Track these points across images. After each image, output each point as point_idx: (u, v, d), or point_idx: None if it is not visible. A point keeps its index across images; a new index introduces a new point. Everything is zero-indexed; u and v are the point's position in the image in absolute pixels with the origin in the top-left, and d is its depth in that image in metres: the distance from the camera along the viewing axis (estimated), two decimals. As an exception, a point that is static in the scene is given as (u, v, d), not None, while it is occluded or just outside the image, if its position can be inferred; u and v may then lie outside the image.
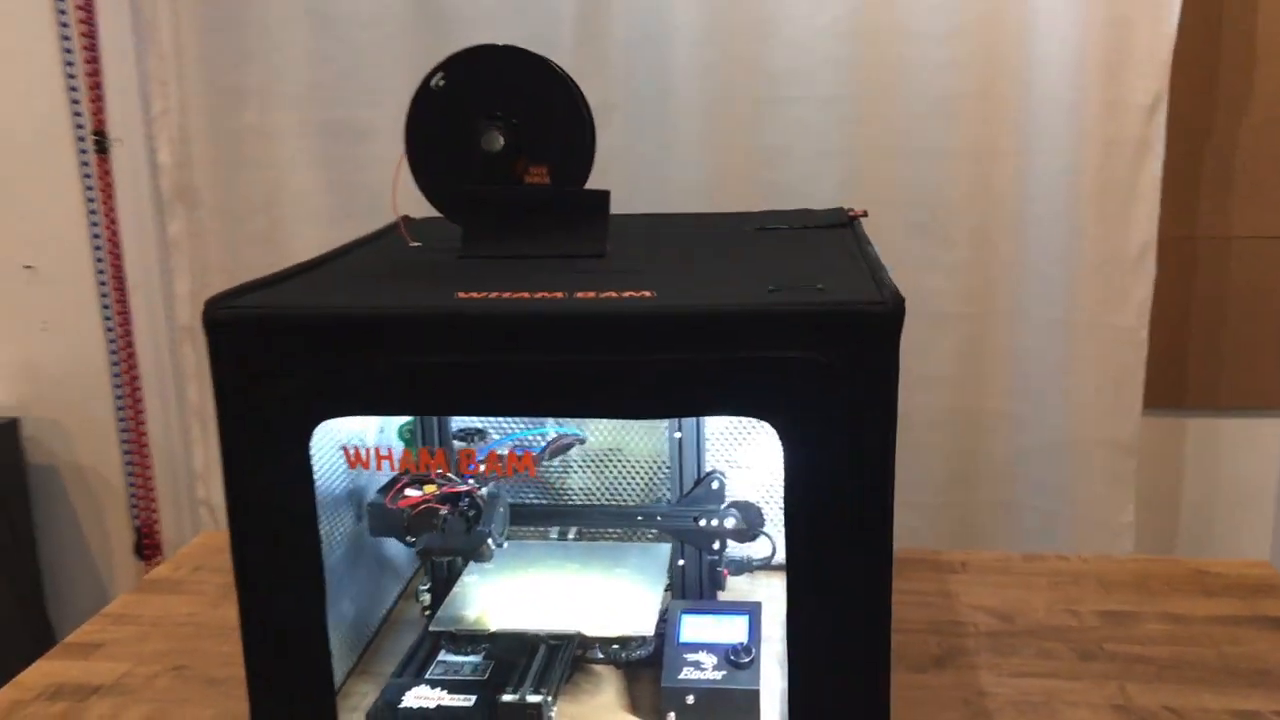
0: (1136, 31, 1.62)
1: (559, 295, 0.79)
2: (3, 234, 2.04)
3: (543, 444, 1.11)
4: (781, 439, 0.76)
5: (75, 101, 1.92)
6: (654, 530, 1.13)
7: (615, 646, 1.00)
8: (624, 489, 1.16)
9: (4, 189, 2.01)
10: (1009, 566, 1.31)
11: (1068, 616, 1.18)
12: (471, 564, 1.11)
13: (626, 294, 0.79)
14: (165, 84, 1.85)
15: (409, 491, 1.01)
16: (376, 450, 0.95)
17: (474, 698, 0.94)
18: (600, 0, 1.73)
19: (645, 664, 1.01)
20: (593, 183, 1.79)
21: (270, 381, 0.78)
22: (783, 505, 0.76)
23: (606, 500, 1.15)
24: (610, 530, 1.18)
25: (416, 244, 1.06)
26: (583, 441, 1.10)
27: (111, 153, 1.93)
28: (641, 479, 1.15)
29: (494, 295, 0.80)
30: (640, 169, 1.77)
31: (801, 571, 0.78)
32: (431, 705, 0.94)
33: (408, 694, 0.96)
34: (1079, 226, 1.69)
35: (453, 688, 0.96)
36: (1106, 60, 1.63)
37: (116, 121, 1.94)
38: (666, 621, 1.02)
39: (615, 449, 1.14)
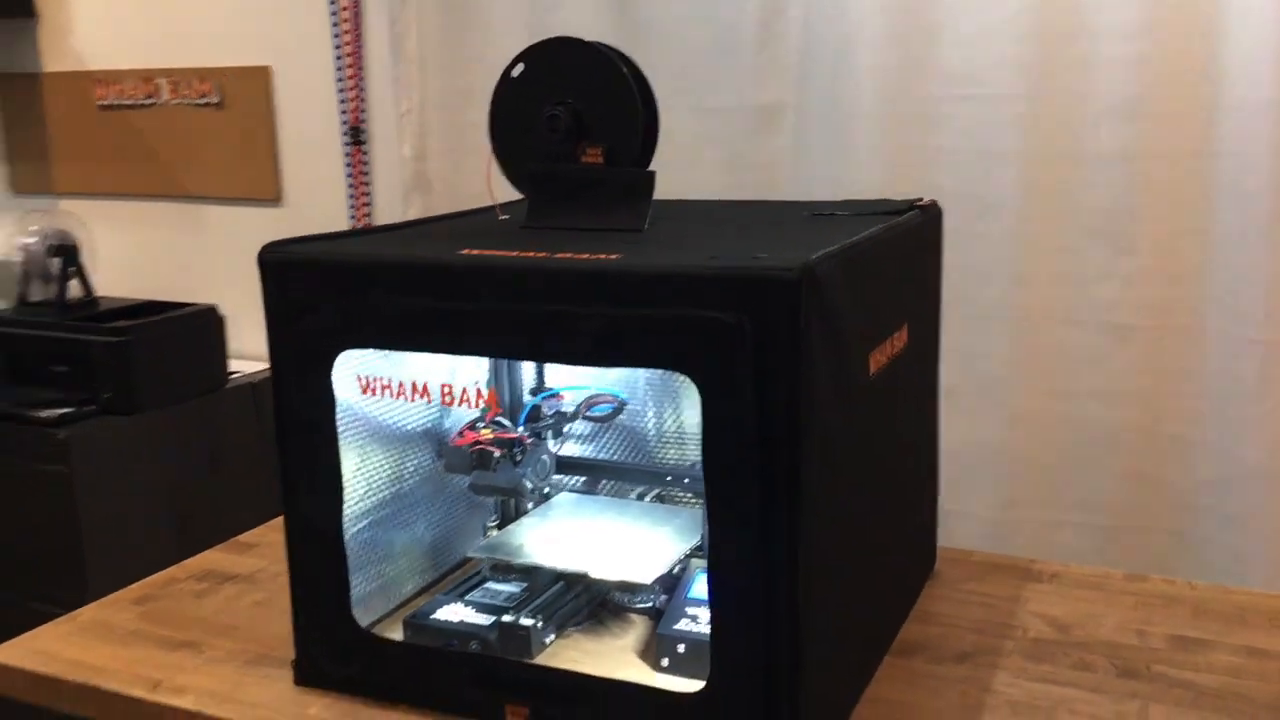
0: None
1: (538, 255, 0.89)
2: (282, 218, 2.40)
3: (611, 404, 1.22)
4: (700, 392, 0.81)
5: (343, 102, 2.23)
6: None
7: (621, 591, 1.08)
8: (663, 451, 1.23)
9: (290, 177, 2.38)
10: (1103, 583, 1.25)
11: (1132, 636, 1.12)
12: (533, 508, 1.22)
13: (592, 256, 0.87)
14: (410, 86, 2.11)
15: (469, 433, 1.15)
16: (464, 391, 1.10)
17: (492, 619, 1.06)
18: (780, 5, 1.79)
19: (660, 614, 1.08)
20: (758, 181, 1.87)
21: (301, 314, 0.94)
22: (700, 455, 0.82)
23: (645, 461, 1.23)
24: (684, 494, 1.25)
25: (504, 216, 1.19)
26: (625, 403, 1.18)
27: (368, 145, 2.23)
28: (684, 444, 1.22)
29: (486, 253, 0.91)
30: (812, 170, 1.81)
31: (717, 515, 0.83)
32: (456, 620, 1.07)
33: (443, 609, 1.09)
34: (1277, 239, 1.54)
35: (481, 608, 1.08)
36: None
37: (374, 119, 2.23)
38: (680, 577, 1.08)
39: (665, 415, 1.22)
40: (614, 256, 0.87)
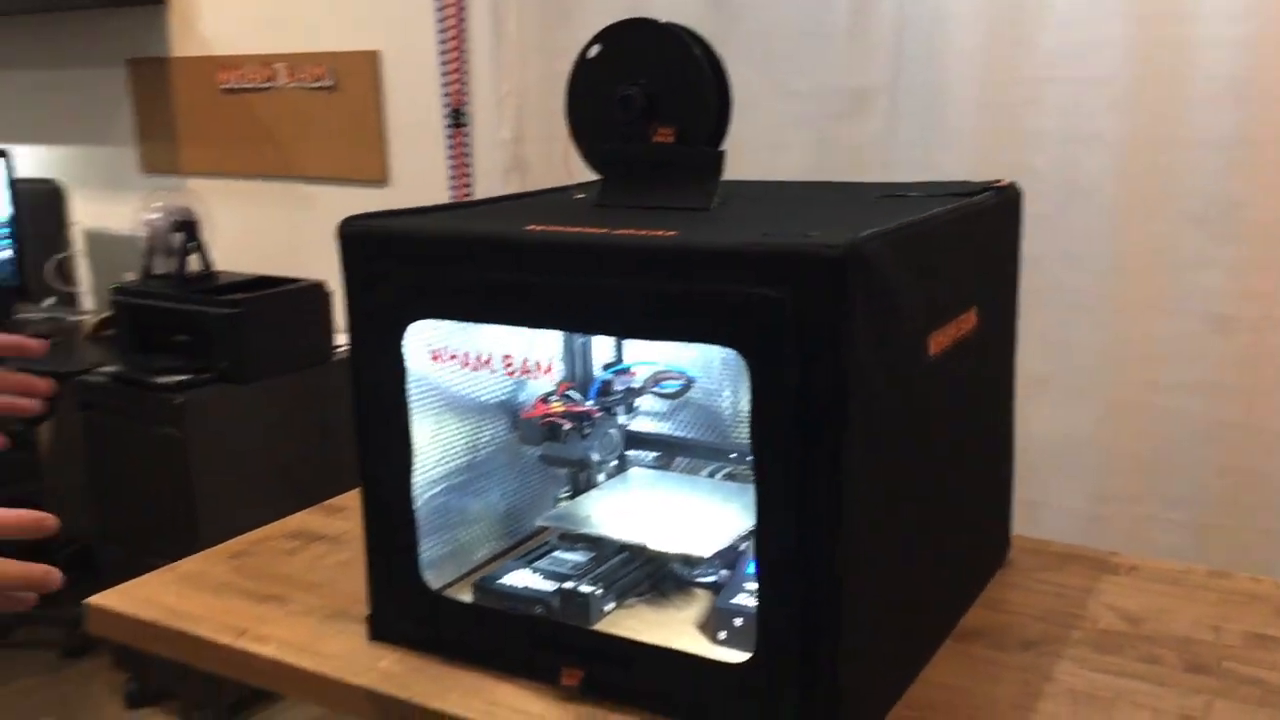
0: None
1: (596, 231, 0.92)
2: (387, 199, 2.48)
3: (679, 382, 1.24)
4: (747, 368, 0.83)
5: (445, 86, 2.30)
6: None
7: (681, 564, 1.10)
8: (736, 430, 1.24)
9: (396, 159, 2.45)
10: (1182, 579, 1.22)
11: (1206, 632, 1.09)
12: (605, 480, 1.25)
13: (647, 232, 0.89)
14: (510, 70, 2.16)
15: (541, 405, 1.18)
16: (525, 362, 1.14)
17: (555, 586, 1.09)
18: (874, -16, 1.78)
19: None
20: (847, 164, 1.86)
21: (373, 286, 0.99)
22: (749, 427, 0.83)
23: (718, 439, 1.24)
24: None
25: (580, 196, 1.22)
26: (692, 381, 1.20)
27: (468, 128, 2.29)
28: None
29: (546, 228, 0.94)
30: (903, 153, 1.79)
31: (762, 490, 0.84)
32: (521, 586, 1.10)
33: (511, 574, 1.13)
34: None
35: (547, 575, 1.12)
36: None
37: (475, 102, 2.29)
38: (742, 553, 1.10)
39: (740, 393, 1.23)
40: (669, 233, 0.89)
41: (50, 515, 0.73)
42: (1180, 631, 1.09)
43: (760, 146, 1.92)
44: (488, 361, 1.08)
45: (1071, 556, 1.28)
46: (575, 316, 0.94)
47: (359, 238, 0.99)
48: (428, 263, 0.96)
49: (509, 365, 1.10)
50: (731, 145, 2.00)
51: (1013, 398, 1.25)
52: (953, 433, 1.07)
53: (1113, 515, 1.73)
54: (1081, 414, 1.74)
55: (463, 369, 1.10)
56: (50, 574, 0.73)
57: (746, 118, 1.90)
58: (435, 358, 1.07)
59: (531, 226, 0.96)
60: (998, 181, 1.16)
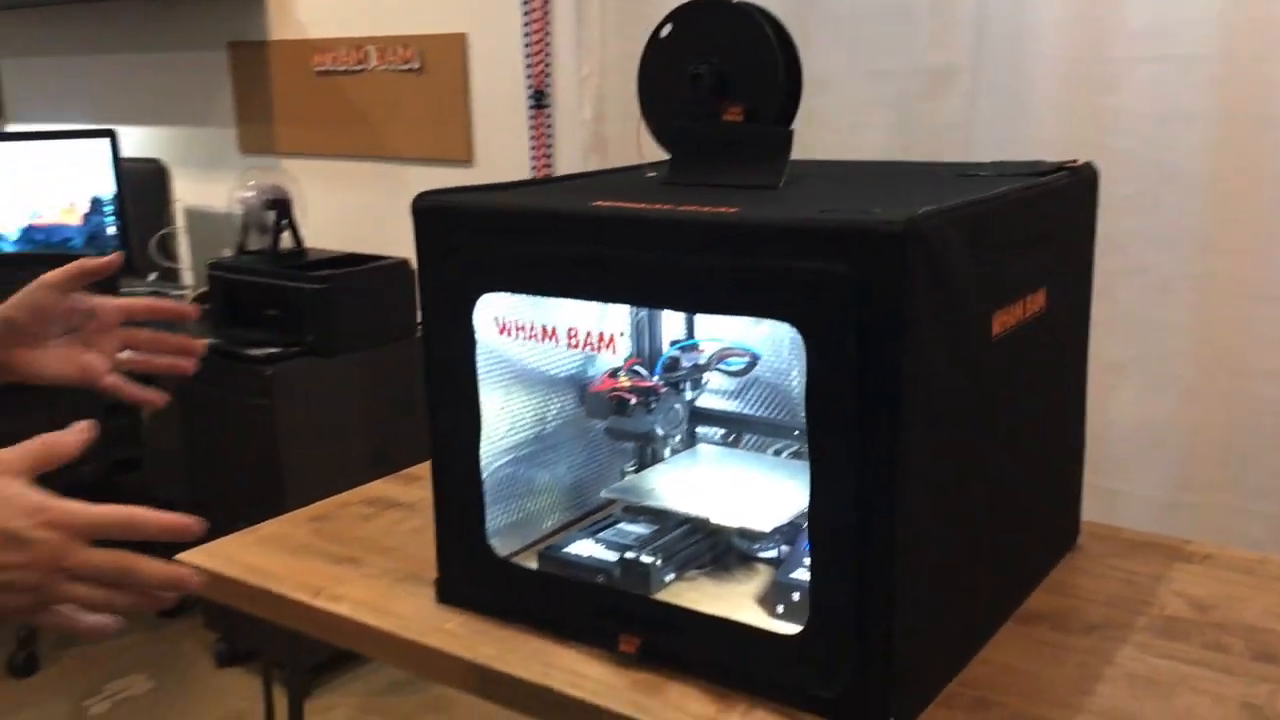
0: None
1: (659, 207, 0.93)
2: (472, 178, 2.53)
3: (744, 359, 1.25)
4: (805, 344, 0.84)
5: (529, 67, 2.33)
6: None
7: (742, 538, 1.12)
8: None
9: (480, 139, 2.50)
10: (1257, 568, 1.19)
11: (1277, 621, 1.06)
12: (671, 455, 1.27)
13: (710, 209, 0.90)
14: (591, 51, 2.18)
15: (608, 380, 1.20)
16: (601, 336, 1.16)
17: (617, 556, 1.11)
18: (958, -38, 1.75)
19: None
20: (929, 144, 1.84)
21: (444, 259, 1.02)
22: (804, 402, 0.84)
23: (786, 417, 1.25)
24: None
25: (652, 174, 1.23)
26: (757, 359, 1.21)
27: (550, 109, 2.32)
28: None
29: (609, 204, 0.96)
30: (985, 133, 1.76)
31: (817, 466, 0.85)
32: (585, 555, 1.13)
33: (575, 544, 1.15)
34: None
35: (610, 546, 1.14)
36: None
37: (557, 83, 2.32)
38: (804, 529, 1.11)
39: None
40: (731, 210, 0.90)
41: (196, 520, 0.75)
42: (1250, 620, 1.07)
43: (841, 126, 1.91)
44: (553, 334, 1.10)
45: (1143, 544, 1.26)
46: (638, 290, 0.96)
47: (432, 213, 1.02)
48: (496, 237, 0.99)
49: (573, 339, 1.13)
50: (812, 125, 1.99)
51: (1085, 381, 1.23)
52: (1018, 414, 1.06)
53: (1194, 505, 1.69)
54: (1165, 400, 1.70)
55: (529, 341, 1.12)
56: (190, 575, 0.76)
57: (827, 97, 1.92)
58: (503, 330, 1.09)
59: (598, 202, 0.98)
60: (1073, 161, 1.14)
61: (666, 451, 1.27)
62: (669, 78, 1.16)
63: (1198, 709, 0.92)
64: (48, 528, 0.70)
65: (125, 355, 1.04)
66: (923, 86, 1.83)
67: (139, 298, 1.07)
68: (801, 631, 0.90)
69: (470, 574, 1.09)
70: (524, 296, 1.09)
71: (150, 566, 0.74)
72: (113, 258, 1.04)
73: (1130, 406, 1.72)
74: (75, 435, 0.75)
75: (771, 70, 1.12)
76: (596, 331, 1.18)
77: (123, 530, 0.73)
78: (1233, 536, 1.64)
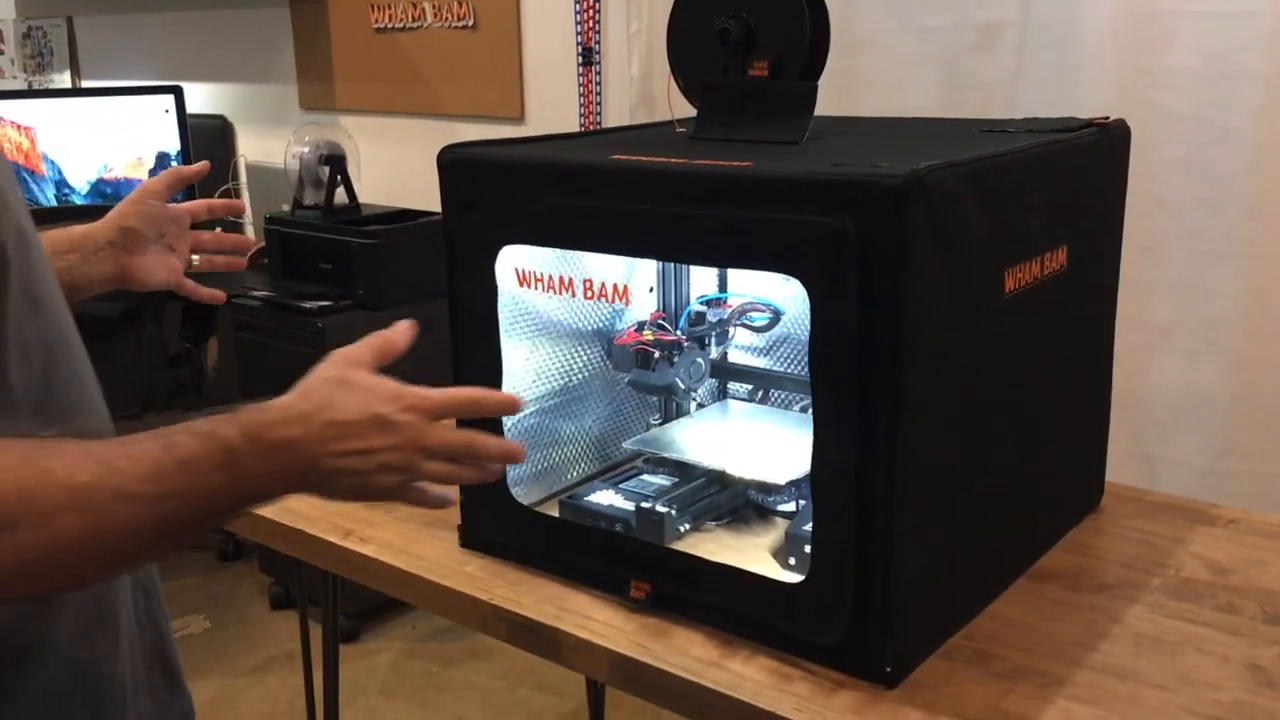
0: None
1: (673, 160, 0.94)
2: (523, 134, 2.55)
3: (767, 315, 1.26)
4: (808, 296, 0.85)
5: (579, 24, 2.33)
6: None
7: (759, 491, 1.13)
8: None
9: (531, 96, 2.51)
10: (1284, 534, 1.18)
11: (1297, 587, 1.06)
12: (696, 409, 1.29)
13: (723, 163, 0.91)
14: (640, 8, 2.18)
15: (632, 333, 1.22)
16: (602, 286, 1.18)
17: (634, 505, 1.14)
18: (1006, -85, 1.72)
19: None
20: (977, 101, 1.81)
21: (466, 210, 1.04)
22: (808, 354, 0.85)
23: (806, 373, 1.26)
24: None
25: (680, 130, 1.24)
26: (780, 314, 1.21)
27: (599, 66, 2.33)
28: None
29: (625, 157, 0.97)
30: (1033, 90, 1.73)
31: (819, 416, 0.87)
32: (605, 504, 1.15)
33: (596, 494, 1.18)
34: None
35: (630, 496, 1.16)
36: None
37: (607, 40, 2.32)
38: (818, 482, 1.12)
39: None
40: (742, 164, 0.90)
41: (519, 398, 0.87)
42: (1267, 584, 1.06)
43: (888, 84, 1.89)
44: (569, 285, 1.12)
45: (1169, 506, 1.25)
46: (650, 242, 0.97)
47: (455, 165, 1.04)
48: (517, 189, 1.01)
49: (589, 290, 1.14)
50: (856, 82, 1.97)
51: (1112, 343, 1.22)
52: (1036, 373, 1.06)
53: (1235, 471, 1.66)
54: (1209, 366, 1.67)
55: (549, 294, 1.14)
56: (520, 448, 0.82)
57: (873, 54, 1.90)
58: (523, 282, 1.12)
59: (616, 156, 0.99)
60: (1104, 118, 1.12)
61: (691, 405, 1.29)
62: (698, 33, 1.17)
63: (1201, 668, 0.92)
64: (409, 411, 0.76)
65: (195, 258, 1.14)
66: (970, 43, 1.80)
67: (198, 200, 1.16)
68: (803, 580, 0.92)
69: (490, 520, 1.13)
70: (549, 250, 1.11)
71: (492, 441, 0.81)
72: (203, 164, 1.15)
73: (1174, 372, 1.69)
74: (403, 331, 0.84)
75: (798, 25, 1.12)
76: (618, 283, 1.19)
77: (469, 408, 0.82)
78: (1272, 502, 1.62)
